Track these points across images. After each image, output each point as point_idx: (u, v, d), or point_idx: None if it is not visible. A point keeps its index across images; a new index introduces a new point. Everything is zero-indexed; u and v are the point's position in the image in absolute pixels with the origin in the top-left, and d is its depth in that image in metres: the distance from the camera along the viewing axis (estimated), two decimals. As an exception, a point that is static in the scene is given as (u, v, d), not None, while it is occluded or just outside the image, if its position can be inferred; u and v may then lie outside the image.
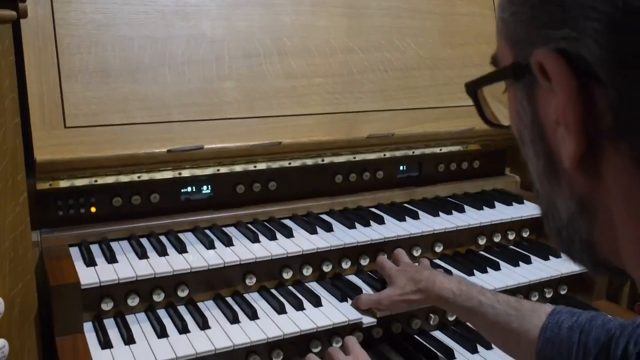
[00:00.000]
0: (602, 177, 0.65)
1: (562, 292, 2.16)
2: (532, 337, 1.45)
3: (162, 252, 1.74)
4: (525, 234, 2.30)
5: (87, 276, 1.60)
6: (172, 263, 1.70)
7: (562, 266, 2.12)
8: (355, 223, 2.01)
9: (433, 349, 1.83)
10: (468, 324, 2.00)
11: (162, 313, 1.70)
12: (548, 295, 2.12)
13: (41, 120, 1.68)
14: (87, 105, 1.73)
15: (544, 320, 1.45)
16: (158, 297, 1.71)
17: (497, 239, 2.23)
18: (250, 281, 1.82)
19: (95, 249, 1.75)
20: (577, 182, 0.68)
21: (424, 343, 1.88)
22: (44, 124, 1.68)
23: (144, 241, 1.81)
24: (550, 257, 2.17)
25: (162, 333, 1.59)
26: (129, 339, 1.55)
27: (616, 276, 0.77)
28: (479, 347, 1.86)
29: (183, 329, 1.61)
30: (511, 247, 2.26)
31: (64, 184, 1.74)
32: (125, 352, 1.52)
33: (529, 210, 2.26)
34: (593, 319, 1.42)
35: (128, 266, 1.67)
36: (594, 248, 0.72)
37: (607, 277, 2.03)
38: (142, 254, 1.72)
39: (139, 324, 1.64)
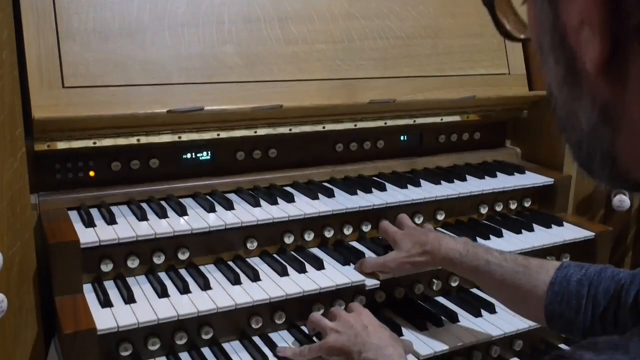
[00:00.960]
0: (628, 83, 0.62)
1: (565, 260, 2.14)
2: (541, 293, 1.44)
3: (162, 214, 1.72)
4: (527, 204, 2.28)
5: (87, 236, 1.57)
6: (172, 224, 1.67)
7: (565, 233, 2.10)
8: (357, 190, 1.99)
9: (436, 312, 1.81)
10: (474, 287, 1.99)
11: (162, 275, 1.67)
12: (551, 264, 2.10)
13: (39, 80, 1.65)
14: (85, 66, 1.71)
15: (552, 275, 1.44)
16: (158, 260, 1.68)
17: (498, 208, 2.21)
18: (252, 245, 1.80)
19: (94, 212, 1.72)
20: (600, 89, 0.65)
21: (427, 307, 1.86)
22: (42, 84, 1.65)
23: (144, 205, 1.78)
24: (553, 225, 2.16)
25: (163, 293, 1.56)
26: (129, 299, 1.53)
27: (635, 190, 0.75)
28: (483, 312, 1.84)
29: (184, 290, 1.59)
30: (513, 216, 2.24)
31: (61, 145, 1.71)
32: (126, 310, 1.49)
33: (531, 179, 2.24)
34: (602, 271, 1.40)
35: (128, 227, 1.64)
36: (615, 161, 0.69)
37: (626, 190, 2.00)
38: (141, 216, 1.69)
39: (140, 286, 1.62)
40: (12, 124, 1.47)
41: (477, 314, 1.83)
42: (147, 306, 1.52)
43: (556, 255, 2.12)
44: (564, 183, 2.27)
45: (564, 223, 2.18)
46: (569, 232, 2.12)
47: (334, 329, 1.50)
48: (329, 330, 1.51)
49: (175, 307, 1.51)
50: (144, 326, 1.47)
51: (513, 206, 2.25)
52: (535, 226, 2.13)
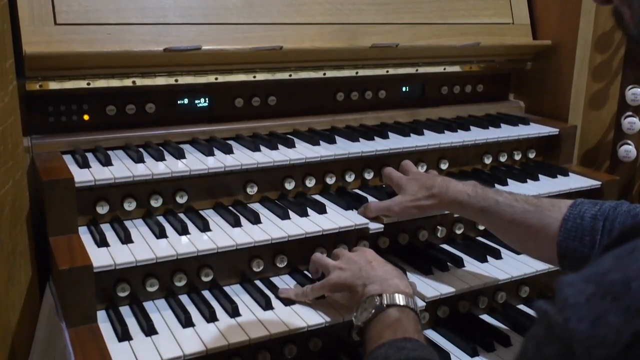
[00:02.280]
0: None
1: (571, 211, 2.10)
2: (553, 230, 1.40)
3: (160, 157, 1.67)
4: (531, 155, 2.23)
5: (82, 175, 1.52)
6: (170, 166, 1.62)
7: (571, 182, 2.06)
8: (359, 137, 1.94)
9: (441, 257, 1.77)
10: (479, 234, 1.95)
11: (161, 219, 1.62)
12: (556, 213, 2.06)
13: (30, 16, 1.59)
14: (78, 2, 1.65)
15: (565, 212, 1.40)
16: (156, 203, 1.63)
17: (503, 158, 2.17)
18: (252, 190, 1.74)
19: (89, 155, 1.66)
20: None
21: (432, 252, 1.81)
22: (33, 20, 1.59)
23: (141, 149, 1.73)
24: (558, 175, 2.11)
25: (161, 234, 1.51)
26: (126, 239, 1.48)
27: None
28: (489, 258, 1.80)
29: (183, 231, 1.54)
30: (517, 167, 2.20)
31: (54, 85, 1.65)
32: (123, 250, 1.44)
33: (535, 129, 2.20)
34: (617, 206, 1.36)
35: (124, 168, 1.59)
36: None
37: None
38: (138, 159, 1.64)
39: (137, 228, 1.57)
40: (2, 55, 1.41)
41: (483, 260, 1.79)
42: (144, 246, 1.47)
43: (562, 205, 2.07)
44: (569, 133, 2.23)
45: (570, 173, 2.14)
46: (575, 181, 2.08)
47: (337, 267, 1.45)
48: (332, 268, 1.46)
49: (174, 246, 1.47)
50: (142, 265, 1.42)
51: (517, 157, 2.20)
52: (540, 176, 2.09)
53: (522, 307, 1.87)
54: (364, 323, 1.26)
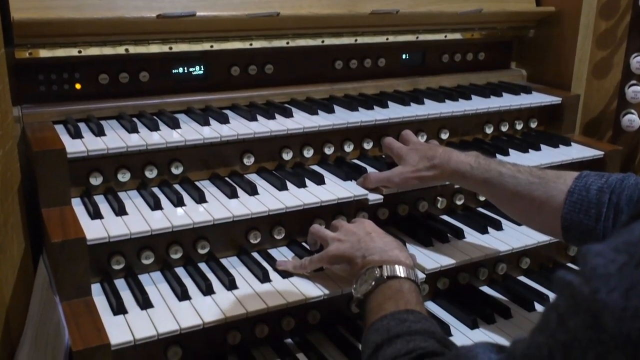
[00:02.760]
0: None
1: (573, 181, 2.06)
2: (557, 203, 1.37)
3: (154, 127, 1.63)
4: (533, 124, 2.20)
5: (74, 146, 1.48)
6: (165, 137, 1.58)
7: (573, 152, 2.03)
8: (358, 107, 1.90)
9: (441, 228, 1.74)
10: (479, 205, 1.93)
11: (155, 190, 1.59)
12: (558, 184, 2.03)
13: (18, -19, 1.54)
14: (67, -33, 1.59)
15: (570, 185, 1.36)
16: (151, 174, 1.60)
17: (504, 128, 2.13)
18: (249, 161, 1.71)
19: (81, 125, 1.62)
20: None
21: (432, 223, 1.79)
22: (20, -15, 1.54)
23: (134, 119, 1.69)
24: (561, 145, 2.08)
25: (156, 205, 1.48)
26: (120, 210, 1.45)
27: None
28: (490, 229, 1.78)
29: (178, 202, 1.50)
30: (519, 137, 2.16)
31: (44, 53, 1.60)
32: (117, 222, 1.41)
33: (538, 98, 2.15)
34: (624, 178, 1.33)
35: (117, 138, 1.55)
36: None
37: None
38: (132, 129, 1.60)
39: (131, 199, 1.54)
40: (-12, 20, 1.36)
41: (484, 231, 1.76)
42: (139, 218, 1.44)
43: (563, 176, 2.04)
44: (571, 102, 2.19)
45: (572, 143, 2.11)
46: (577, 151, 2.05)
47: (335, 238, 1.42)
48: (331, 240, 1.43)
49: (169, 218, 1.44)
50: (136, 237, 1.39)
51: (519, 126, 2.16)
52: (542, 146, 2.05)
53: (522, 278, 1.85)
54: (363, 295, 1.24)
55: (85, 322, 1.25)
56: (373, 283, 1.23)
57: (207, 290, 1.40)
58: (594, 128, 2.29)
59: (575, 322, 0.61)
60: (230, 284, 1.42)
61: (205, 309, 1.34)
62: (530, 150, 2.01)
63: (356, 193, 1.62)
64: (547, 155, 1.99)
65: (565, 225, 1.35)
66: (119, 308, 1.32)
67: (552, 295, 1.74)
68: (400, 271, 1.24)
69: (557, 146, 2.07)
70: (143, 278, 1.46)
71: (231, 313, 1.33)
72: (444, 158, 1.56)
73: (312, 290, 1.43)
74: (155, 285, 1.44)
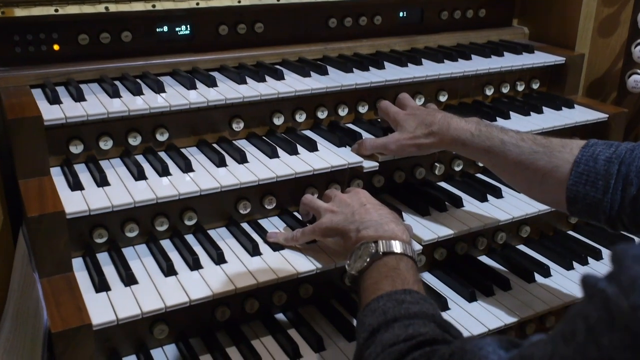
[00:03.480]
0: None
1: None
2: (562, 173, 1.29)
3: (137, 91, 1.54)
4: (535, 85, 2.11)
5: (51, 112, 1.40)
6: (148, 101, 1.50)
7: (576, 115, 1.95)
8: (353, 68, 1.81)
9: (439, 196, 1.68)
10: (478, 171, 1.86)
11: (140, 158, 1.52)
12: (560, 148, 1.96)
13: None
14: None
15: (577, 154, 1.29)
16: (134, 141, 1.52)
17: (505, 89, 2.05)
18: (238, 126, 1.63)
19: (60, 89, 1.54)
20: None
21: (430, 191, 1.72)
22: (-10, -61, 1.43)
23: (116, 83, 1.60)
24: (563, 107, 2.00)
25: (140, 175, 1.41)
26: (102, 181, 1.37)
27: None
28: (489, 197, 1.71)
29: (164, 172, 1.43)
30: (520, 98, 2.08)
31: (19, 12, 1.51)
32: (99, 193, 1.34)
33: (541, 58, 2.06)
34: (635, 148, 1.25)
35: (98, 104, 1.47)
36: None
37: None
38: (113, 93, 1.52)
39: (114, 169, 1.46)
40: (-46, -21, 1.26)
41: (483, 199, 1.70)
42: (122, 189, 1.36)
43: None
44: (576, 62, 2.10)
45: (575, 105, 2.03)
46: (581, 114, 1.97)
47: (328, 209, 1.36)
48: (323, 211, 1.37)
49: (153, 189, 1.36)
50: (119, 210, 1.32)
51: (520, 88, 2.08)
52: (544, 108, 1.98)
53: (522, 247, 1.79)
54: (358, 272, 1.18)
55: (65, 300, 1.19)
56: (368, 259, 1.17)
57: (194, 264, 1.34)
58: (597, 89, 2.20)
59: (611, 340, 0.54)
60: (218, 258, 1.36)
61: (192, 285, 1.28)
62: (532, 113, 1.93)
63: (350, 161, 1.55)
64: (550, 118, 1.91)
65: (570, 197, 1.29)
66: (101, 285, 1.25)
67: (552, 265, 1.69)
68: (396, 247, 1.18)
69: (560, 108, 1.99)
70: (127, 252, 1.40)
71: (219, 289, 1.27)
72: (443, 124, 1.48)
73: (304, 264, 1.37)
74: (140, 259, 1.38)
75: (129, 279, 1.28)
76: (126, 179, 1.41)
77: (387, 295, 1.06)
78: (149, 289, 1.27)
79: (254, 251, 1.40)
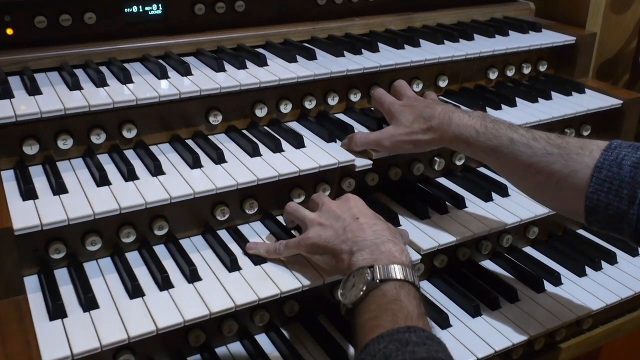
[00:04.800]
0: None
1: (585, 133, 1.84)
2: (581, 179, 1.13)
3: (101, 82, 1.37)
4: (542, 68, 1.94)
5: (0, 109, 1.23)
6: (112, 94, 1.32)
7: (588, 102, 1.79)
8: (344, 51, 1.63)
9: (439, 196, 1.52)
10: (481, 165, 1.70)
11: (104, 158, 1.35)
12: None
13: None
14: None
15: (597, 158, 1.13)
16: (98, 139, 1.35)
17: (510, 72, 1.88)
18: (215, 119, 1.46)
19: (14, 81, 1.36)
20: None
21: (428, 190, 1.56)
22: None
23: (78, 72, 1.43)
24: (573, 92, 1.83)
25: (102, 181, 1.24)
26: (59, 188, 1.21)
27: None
28: (494, 195, 1.56)
29: (129, 175, 1.27)
30: (525, 82, 1.91)
31: (-37, -8, 1.32)
32: (54, 204, 1.17)
33: (549, 38, 1.89)
34: None
35: (55, 98, 1.29)
36: None
37: None
38: (73, 84, 1.34)
39: (74, 171, 1.30)
40: None
41: (487, 198, 1.54)
42: (81, 198, 1.20)
43: (575, 127, 1.81)
44: (587, 42, 1.92)
45: (586, 89, 1.86)
46: (593, 100, 1.80)
47: (316, 221, 1.20)
48: (310, 223, 1.21)
49: (117, 197, 1.20)
50: (77, 223, 1.16)
51: (527, 70, 1.91)
52: (553, 93, 1.81)
53: (529, 249, 1.64)
54: (353, 304, 1.03)
55: (12, 332, 1.04)
56: (364, 288, 1.02)
57: (164, 284, 1.18)
58: (608, 71, 2.04)
59: None
60: (191, 276, 1.20)
61: (161, 309, 1.12)
62: (539, 99, 1.77)
63: (341, 159, 1.38)
64: (559, 105, 1.74)
65: (590, 207, 1.13)
66: (56, 311, 1.10)
67: (562, 271, 1.54)
68: (396, 272, 1.02)
69: (570, 93, 1.82)
70: (89, 267, 1.24)
71: (192, 315, 1.11)
72: (444, 119, 1.32)
73: (288, 281, 1.21)
74: (103, 276, 1.22)
75: (88, 303, 1.12)
76: (87, 184, 1.25)
77: (388, 335, 0.91)
78: (111, 315, 1.11)
79: (232, 266, 1.24)
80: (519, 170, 1.23)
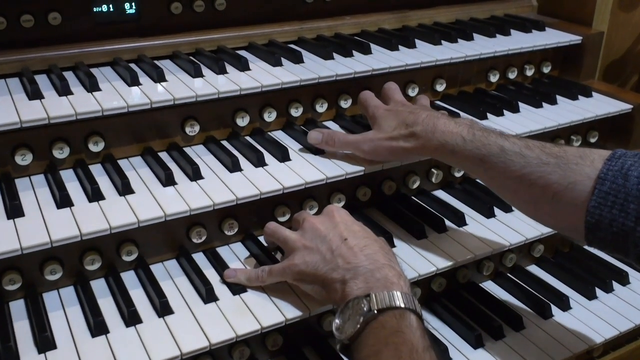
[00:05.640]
0: None
1: (592, 140, 1.72)
2: (581, 191, 1.02)
3: (64, 90, 1.24)
4: (546, 69, 1.82)
5: (-54, 123, 1.10)
6: (76, 104, 1.19)
7: (596, 106, 1.67)
8: (333, 53, 1.51)
9: (437, 213, 1.40)
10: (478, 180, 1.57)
11: (68, 174, 1.22)
12: (576, 144, 1.68)
13: None
14: None
15: (600, 168, 1.01)
16: (61, 153, 1.22)
17: (512, 75, 1.75)
18: (192, 130, 1.33)
19: (-32, 88, 1.24)
20: None
21: (425, 206, 1.44)
22: None
23: (41, 78, 1.30)
24: (580, 96, 1.71)
25: (62, 202, 1.12)
26: (13, 211, 1.08)
27: None
28: (497, 210, 1.43)
29: (94, 195, 1.14)
30: (528, 85, 1.79)
31: None
32: (8, 229, 1.04)
33: (554, 37, 1.76)
34: None
35: (11, 108, 1.16)
36: None
37: None
38: (34, 93, 1.21)
39: (33, 190, 1.17)
40: None
41: (489, 214, 1.42)
42: (38, 222, 1.07)
43: (582, 134, 1.70)
44: (594, 41, 1.80)
45: (593, 93, 1.74)
46: (601, 105, 1.68)
47: (299, 244, 1.08)
48: (292, 244, 1.09)
49: (78, 222, 1.07)
50: (33, 252, 1.03)
51: (529, 72, 1.79)
52: (558, 97, 1.69)
53: (533, 268, 1.52)
54: (349, 339, 0.91)
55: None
56: (361, 320, 0.91)
57: (131, 319, 1.06)
58: (615, 72, 1.92)
59: None
60: (162, 309, 1.08)
61: (125, 349, 1.00)
62: (544, 104, 1.65)
63: (329, 174, 1.26)
64: (566, 111, 1.62)
65: (591, 223, 1.01)
66: (7, 355, 0.97)
67: (571, 294, 1.42)
68: (394, 299, 0.91)
69: (576, 97, 1.70)
70: (49, 298, 1.12)
71: (160, 356, 0.99)
72: (428, 125, 1.19)
73: (270, 314, 1.09)
74: (63, 309, 1.10)
75: (44, 343, 0.99)
76: (47, 206, 1.12)
77: None
78: (70, 356, 0.98)
79: (208, 297, 1.11)
80: (511, 182, 1.11)
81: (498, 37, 1.74)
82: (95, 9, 1.41)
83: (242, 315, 1.08)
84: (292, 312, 1.10)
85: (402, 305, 0.92)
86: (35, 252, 1.05)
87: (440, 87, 1.63)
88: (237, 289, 1.14)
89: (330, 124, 1.48)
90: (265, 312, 1.09)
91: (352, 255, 1.01)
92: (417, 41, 1.63)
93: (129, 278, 1.17)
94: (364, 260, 1.00)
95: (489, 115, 1.56)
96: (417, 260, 1.25)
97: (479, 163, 1.14)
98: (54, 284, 1.13)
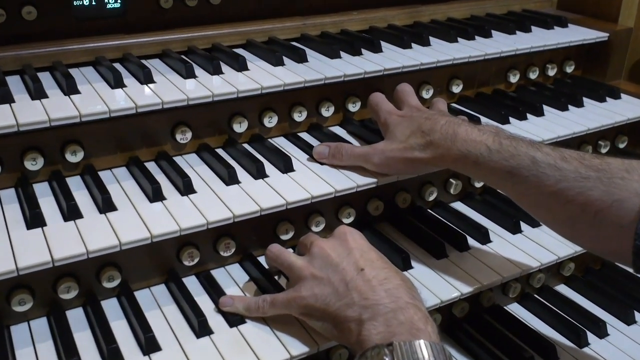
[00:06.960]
0: None
1: (621, 146, 1.58)
2: (628, 211, 0.87)
3: (38, 93, 1.09)
4: (569, 69, 1.68)
5: None
6: (51, 109, 1.05)
7: (625, 109, 1.53)
8: (340, 51, 1.36)
9: (457, 229, 1.25)
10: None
11: (42, 188, 1.08)
12: (603, 150, 1.54)
13: None
14: None
15: None
16: (34, 165, 1.08)
17: (533, 74, 1.62)
18: (184, 137, 1.19)
19: None
20: None
21: (444, 220, 1.29)
22: None
23: (13, 79, 1.15)
24: (608, 98, 1.58)
25: (34, 221, 0.97)
26: (-24, 232, 0.93)
27: None
28: (523, 225, 1.29)
29: (70, 213, 0.99)
30: (550, 86, 1.65)
31: None
32: (-32, 254, 0.90)
33: (578, 34, 1.63)
34: None
35: (-25, 115, 1.02)
36: None
37: None
38: (3, 97, 1.06)
39: (2, 207, 1.02)
40: None
41: (515, 229, 1.28)
42: (4, 245, 0.92)
43: (610, 139, 1.56)
44: (621, 38, 1.67)
45: (621, 94, 1.60)
46: (632, 107, 1.56)
47: (306, 271, 0.94)
48: (299, 272, 0.95)
49: (50, 245, 0.93)
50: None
51: (552, 72, 1.65)
52: (584, 99, 1.55)
53: (562, 288, 1.38)
54: None
55: None
56: None
57: (111, 358, 0.91)
58: (643, 72, 1.78)
59: None
60: (147, 346, 0.93)
61: (104, 395, 0.86)
62: (570, 106, 1.51)
63: (338, 187, 1.12)
64: (593, 113, 1.49)
65: None
66: (-38, 403, 0.83)
67: (607, 318, 1.28)
68: (422, 350, 0.76)
69: (604, 99, 1.57)
70: (17, 332, 0.97)
71: (144, 405, 0.85)
72: (447, 133, 1.05)
73: (273, 349, 0.95)
74: (33, 344, 0.95)
75: (7, 390, 0.85)
76: (15, 225, 0.98)
77: None
78: (37, 406, 0.84)
79: (201, 330, 0.97)
80: (544, 199, 0.96)
81: (518, 34, 1.60)
82: (75, 3, 1.27)
83: (240, 352, 0.94)
84: (298, 348, 0.95)
85: (431, 356, 0.77)
86: (0, 281, 0.91)
87: (456, 89, 1.49)
88: (234, 319, 1.00)
89: (337, 129, 1.34)
90: (267, 347, 0.95)
91: (370, 290, 0.87)
92: (431, 38, 1.49)
93: (111, 307, 1.03)
94: (384, 297, 0.85)
95: (511, 119, 1.42)
96: (438, 284, 1.11)
97: (506, 176, 1.00)
98: (23, 316, 0.99)
